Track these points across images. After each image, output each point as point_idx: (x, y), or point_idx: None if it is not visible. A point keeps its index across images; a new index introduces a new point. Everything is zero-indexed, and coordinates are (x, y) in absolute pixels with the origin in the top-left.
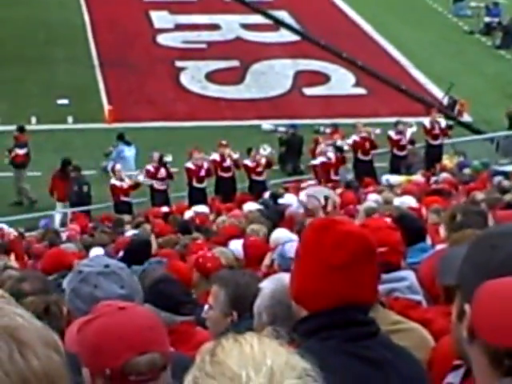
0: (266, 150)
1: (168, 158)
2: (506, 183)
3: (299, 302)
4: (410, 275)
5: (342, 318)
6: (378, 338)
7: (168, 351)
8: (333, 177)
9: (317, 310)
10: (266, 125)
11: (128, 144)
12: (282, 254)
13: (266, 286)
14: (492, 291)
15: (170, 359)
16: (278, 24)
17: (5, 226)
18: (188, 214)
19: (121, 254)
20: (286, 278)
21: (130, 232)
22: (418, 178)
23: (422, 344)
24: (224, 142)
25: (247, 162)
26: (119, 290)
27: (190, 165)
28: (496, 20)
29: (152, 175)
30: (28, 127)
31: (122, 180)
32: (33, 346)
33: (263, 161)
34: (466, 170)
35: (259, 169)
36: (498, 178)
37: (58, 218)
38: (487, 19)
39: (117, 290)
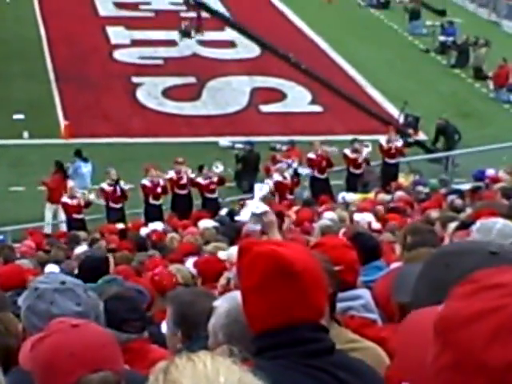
0: (218, 168)
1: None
2: (458, 202)
3: (248, 321)
4: (365, 293)
5: (292, 337)
6: (331, 356)
7: (121, 369)
8: (288, 196)
9: (262, 330)
10: (224, 141)
11: (85, 160)
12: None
13: (221, 304)
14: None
15: (123, 377)
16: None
17: None
18: (144, 231)
19: (76, 271)
20: (235, 295)
21: (80, 248)
22: (382, 196)
23: (377, 363)
24: (180, 160)
25: (199, 179)
26: (75, 306)
27: (146, 182)
28: (451, 39)
29: (107, 195)
30: None
31: (73, 198)
32: None
33: (215, 178)
34: (420, 188)
35: (212, 186)
36: (451, 197)
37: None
38: (442, 38)
39: (73, 307)
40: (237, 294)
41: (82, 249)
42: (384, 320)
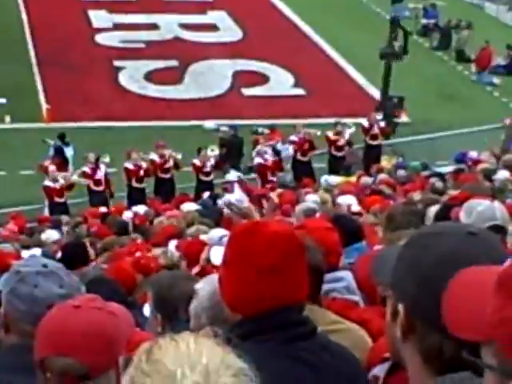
0: (213, 151)
1: (105, 159)
2: (439, 184)
3: (233, 307)
4: (347, 275)
5: (277, 321)
6: (315, 338)
7: (99, 363)
8: (270, 177)
9: (251, 314)
10: (209, 124)
11: (67, 144)
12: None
13: (203, 287)
14: (467, 280)
15: (99, 371)
16: None
17: None
18: (127, 215)
19: (59, 255)
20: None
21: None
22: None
23: (359, 344)
24: (161, 143)
25: (195, 161)
26: (58, 289)
27: (128, 165)
28: (433, 21)
29: (89, 176)
30: None
31: (55, 181)
32: None
33: (212, 161)
34: (402, 172)
35: (206, 169)
36: (432, 180)
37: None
38: (424, 21)
39: (56, 290)
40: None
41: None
42: (366, 302)
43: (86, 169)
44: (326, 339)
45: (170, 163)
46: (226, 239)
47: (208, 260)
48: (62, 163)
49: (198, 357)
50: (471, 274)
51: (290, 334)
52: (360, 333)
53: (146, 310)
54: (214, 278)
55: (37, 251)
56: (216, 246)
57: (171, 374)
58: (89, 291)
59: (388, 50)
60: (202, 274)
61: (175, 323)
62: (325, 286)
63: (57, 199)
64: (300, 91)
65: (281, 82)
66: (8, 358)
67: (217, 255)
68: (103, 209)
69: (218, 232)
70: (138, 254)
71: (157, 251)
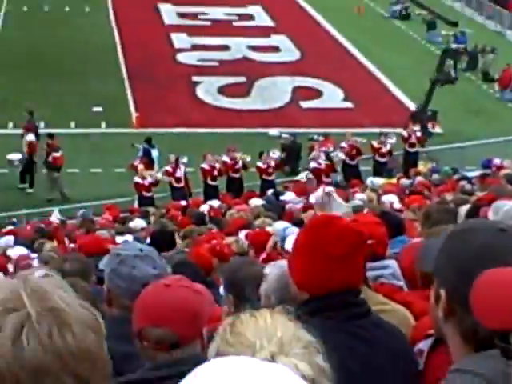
0: (275, 154)
1: (183, 160)
2: (468, 187)
3: (302, 287)
4: (393, 264)
5: (340, 301)
6: (369, 317)
7: (186, 334)
8: (324, 179)
9: (317, 294)
10: (273, 131)
11: (153, 147)
12: (282, 237)
13: (271, 271)
14: (490, 279)
15: (187, 340)
16: None
17: (57, 215)
18: (203, 208)
19: (148, 241)
20: (284, 264)
21: (138, 222)
22: (404, 180)
23: (404, 322)
24: (232, 147)
25: (259, 164)
26: (152, 270)
27: (205, 165)
28: (462, 46)
29: (171, 175)
30: (67, 131)
31: (144, 178)
32: (71, 326)
33: (273, 163)
34: (435, 176)
35: (269, 170)
36: (462, 183)
37: None
38: (454, 46)
39: (150, 271)
40: (284, 262)
41: (139, 222)
42: (409, 286)
43: (169, 168)
44: (379, 318)
45: (240, 164)
46: (288, 230)
47: (274, 247)
48: (148, 163)
49: (274, 330)
50: (495, 273)
51: (349, 313)
52: (404, 313)
53: (222, 289)
54: (281, 263)
55: (129, 237)
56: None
57: (251, 345)
58: (175, 272)
59: (441, 77)
60: (268, 260)
61: (245, 302)
62: (374, 273)
63: (145, 193)
64: (349, 104)
65: (332, 96)
66: (111, 328)
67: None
68: (183, 202)
69: (282, 224)
70: (213, 241)
71: (229, 239)
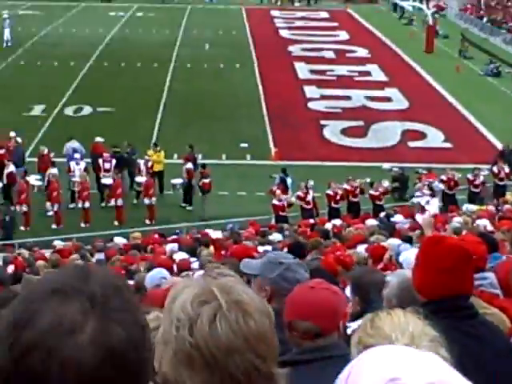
0: (385, 183)
1: (311, 182)
2: None
3: (421, 292)
4: (491, 275)
5: (451, 304)
6: (477, 318)
7: (327, 326)
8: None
9: (432, 298)
10: (386, 165)
11: (287, 176)
12: (397, 252)
13: (393, 279)
14: None
15: (327, 332)
16: None
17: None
18: (328, 225)
19: (285, 250)
20: (405, 273)
21: (276, 235)
22: (493, 207)
23: (502, 324)
24: (351, 177)
25: (371, 191)
26: (306, 274)
27: (329, 192)
28: None
29: (301, 199)
30: (220, 162)
31: (280, 201)
32: (252, 314)
33: (382, 191)
34: None
35: (380, 196)
36: None
37: None
38: None
39: (305, 275)
40: (402, 272)
41: (276, 236)
42: (504, 294)
43: (300, 193)
44: (485, 319)
45: (357, 191)
46: (402, 247)
47: (390, 260)
48: (284, 189)
49: (406, 326)
50: None
51: (461, 314)
52: (502, 316)
53: (347, 291)
54: (400, 273)
55: (268, 248)
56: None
57: (388, 337)
58: (312, 277)
59: None
60: (385, 269)
61: (369, 304)
62: (476, 282)
63: (280, 213)
64: (448, 145)
65: (435, 138)
66: None
67: (405, 257)
68: (311, 221)
69: (396, 241)
70: (338, 252)
71: (350, 251)
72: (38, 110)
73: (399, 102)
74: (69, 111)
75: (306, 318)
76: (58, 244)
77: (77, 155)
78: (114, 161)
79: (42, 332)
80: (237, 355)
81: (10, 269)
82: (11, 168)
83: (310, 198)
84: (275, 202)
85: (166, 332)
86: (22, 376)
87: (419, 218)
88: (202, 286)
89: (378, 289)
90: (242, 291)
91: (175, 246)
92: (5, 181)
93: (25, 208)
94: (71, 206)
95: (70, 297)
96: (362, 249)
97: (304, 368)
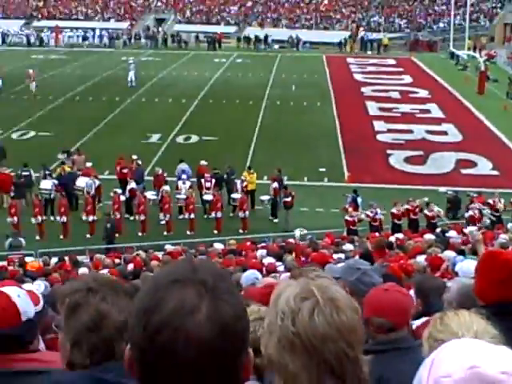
0: (435, 207)
1: (374, 205)
2: None
3: (481, 298)
4: None
5: (506, 308)
6: None
7: (399, 322)
8: (478, 225)
9: (491, 303)
10: (442, 189)
11: (358, 195)
12: (453, 263)
13: (453, 285)
14: None
15: (399, 327)
16: None
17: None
18: (391, 238)
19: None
20: (463, 280)
21: (348, 246)
22: None
23: None
24: (412, 199)
25: (426, 211)
26: (379, 279)
27: (394, 210)
28: None
29: (370, 217)
30: (302, 183)
31: (351, 217)
32: (344, 310)
33: (436, 211)
34: None
35: (433, 217)
36: None
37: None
38: None
39: (379, 279)
40: (461, 279)
41: (348, 246)
42: None
43: (369, 212)
44: None
45: (417, 210)
46: (457, 258)
47: (446, 269)
48: (355, 207)
49: (471, 324)
50: None
51: None
52: None
53: (411, 293)
54: (460, 279)
55: (341, 255)
56: (456, 262)
57: (455, 333)
58: (384, 281)
59: None
60: (442, 277)
61: (429, 305)
62: None
63: (352, 227)
64: (495, 172)
65: (484, 166)
66: None
67: (460, 267)
68: (377, 234)
69: (451, 253)
70: (401, 261)
71: (411, 261)
72: (154, 138)
73: (454, 135)
74: (180, 139)
75: (380, 315)
76: (169, 247)
77: (184, 176)
78: (213, 180)
79: (168, 314)
80: (330, 343)
81: (130, 267)
82: (132, 184)
83: (378, 216)
84: (347, 217)
85: (272, 323)
86: (155, 350)
87: (469, 230)
88: (302, 285)
89: (437, 293)
90: (336, 290)
91: (264, 251)
92: (127, 195)
93: (142, 217)
94: (180, 216)
95: (186, 284)
96: (421, 259)
97: (378, 357)
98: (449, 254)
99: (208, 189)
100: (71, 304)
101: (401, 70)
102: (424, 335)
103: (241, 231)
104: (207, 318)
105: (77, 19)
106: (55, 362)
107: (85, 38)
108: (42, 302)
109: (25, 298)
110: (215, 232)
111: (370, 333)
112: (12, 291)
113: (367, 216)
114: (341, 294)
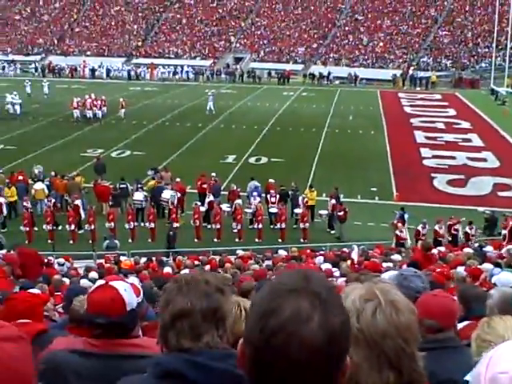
0: (472, 230)
1: (424, 221)
2: None
3: None
4: None
5: None
6: None
7: (447, 323)
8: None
9: None
10: (480, 208)
11: (405, 212)
12: (490, 274)
13: (494, 293)
14: None
15: (446, 327)
16: None
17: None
18: (434, 251)
19: (404, 267)
20: (504, 289)
21: (396, 256)
22: None
23: None
24: (453, 216)
25: (467, 229)
26: (421, 284)
27: (436, 227)
28: None
29: (416, 231)
30: (355, 200)
31: (401, 232)
32: (402, 311)
33: (473, 231)
34: None
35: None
36: None
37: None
38: None
39: (420, 284)
40: (502, 288)
41: (396, 257)
42: None
43: (419, 228)
44: None
45: (457, 226)
46: (494, 270)
47: (484, 280)
48: (403, 222)
49: None
50: None
51: None
52: None
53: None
54: (501, 288)
55: (390, 264)
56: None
57: (501, 336)
58: (432, 287)
59: None
60: (481, 286)
61: (470, 311)
62: None
63: (400, 241)
64: None
65: None
66: None
67: (498, 278)
68: (419, 246)
69: (489, 265)
70: (438, 269)
71: (452, 271)
72: (230, 158)
73: (492, 161)
74: (252, 160)
75: (430, 317)
76: (240, 252)
77: (255, 193)
78: (277, 196)
79: (285, 320)
80: (389, 339)
81: (207, 268)
82: (211, 198)
83: (423, 231)
84: (397, 232)
85: None
86: (270, 350)
87: (509, 247)
88: (367, 288)
89: (479, 300)
90: (395, 293)
91: (321, 258)
92: (206, 206)
93: (218, 226)
94: (250, 226)
95: (301, 294)
96: (461, 269)
97: (427, 354)
98: (486, 266)
99: (273, 203)
100: (165, 297)
101: (446, 104)
102: (472, 336)
103: (302, 240)
104: (319, 326)
105: (169, 57)
106: (153, 348)
107: (175, 73)
108: (141, 294)
109: (129, 291)
110: (280, 240)
111: (421, 332)
112: (119, 285)
113: (416, 232)
114: (400, 297)
